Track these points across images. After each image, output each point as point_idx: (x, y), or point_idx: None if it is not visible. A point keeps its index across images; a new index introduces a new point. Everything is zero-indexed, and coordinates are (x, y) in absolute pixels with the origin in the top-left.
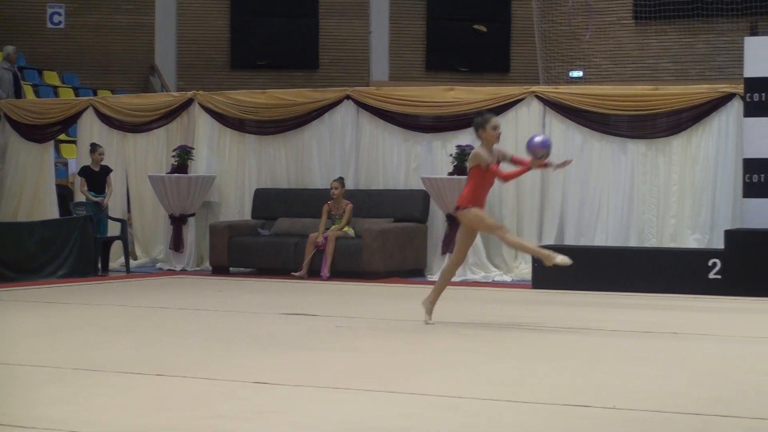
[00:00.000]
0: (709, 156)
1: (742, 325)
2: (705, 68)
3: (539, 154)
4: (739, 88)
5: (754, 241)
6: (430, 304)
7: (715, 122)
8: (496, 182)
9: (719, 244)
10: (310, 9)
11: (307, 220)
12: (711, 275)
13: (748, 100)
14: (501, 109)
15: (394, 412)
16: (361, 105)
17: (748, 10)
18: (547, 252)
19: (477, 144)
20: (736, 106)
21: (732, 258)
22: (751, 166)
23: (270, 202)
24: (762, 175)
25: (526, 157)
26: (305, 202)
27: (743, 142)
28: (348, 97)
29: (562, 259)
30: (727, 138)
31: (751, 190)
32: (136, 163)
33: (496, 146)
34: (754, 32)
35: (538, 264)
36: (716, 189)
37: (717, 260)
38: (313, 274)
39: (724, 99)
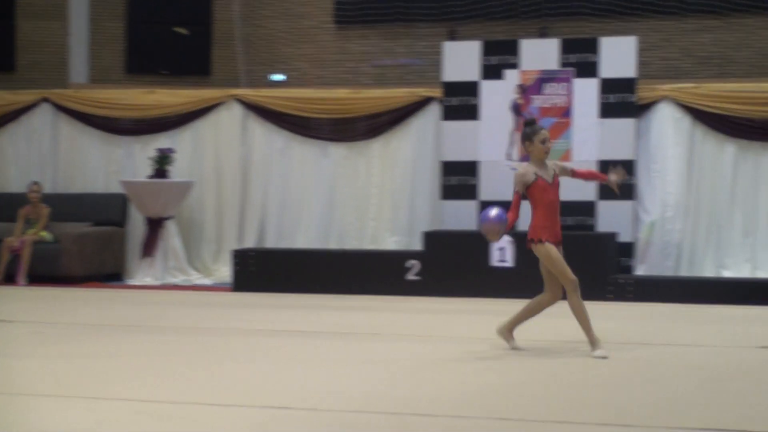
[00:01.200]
0: (408, 159)
1: (440, 325)
2: (404, 72)
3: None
4: (437, 92)
5: (451, 242)
6: (509, 332)
7: (414, 126)
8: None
9: (418, 245)
10: (5, 10)
11: (2, 224)
12: (410, 276)
13: (445, 104)
14: (201, 112)
15: (94, 419)
16: (60, 108)
17: (447, 15)
18: (596, 339)
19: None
20: (434, 110)
21: (430, 259)
22: (448, 168)
23: None
24: (458, 178)
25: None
26: (1, 207)
27: (441, 146)
28: (46, 100)
29: (600, 353)
30: (425, 141)
31: (448, 192)
32: None
33: (555, 161)
34: (452, 37)
35: (240, 267)
36: (415, 191)
37: (415, 261)
38: (10, 279)
39: (423, 103)
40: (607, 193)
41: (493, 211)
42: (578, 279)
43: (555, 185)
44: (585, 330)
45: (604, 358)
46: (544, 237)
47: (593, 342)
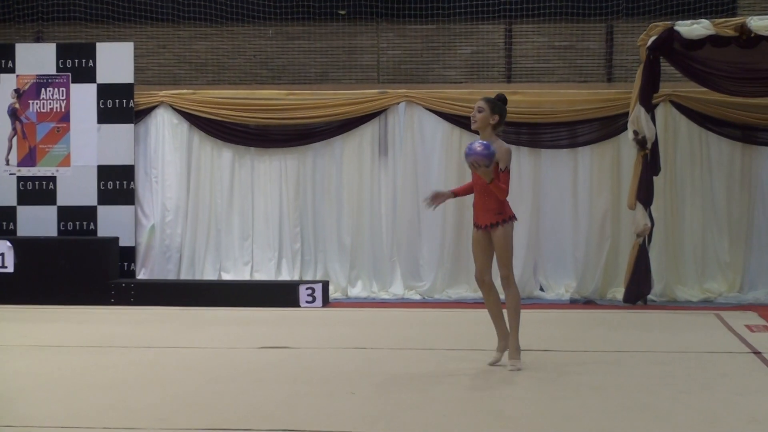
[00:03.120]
0: None
1: None
2: None
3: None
4: None
5: None
6: (516, 351)
7: None
8: None
9: None
10: None
11: None
12: None
13: None
14: None
15: None
16: None
17: None
18: (516, 347)
19: None
20: None
21: None
22: None
23: None
24: None
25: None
26: None
27: None
28: None
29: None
30: None
31: None
32: None
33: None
34: None
35: None
36: None
37: None
38: None
39: None
40: (107, 198)
41: (478, 145)
42: (81, 284)
43: None
44: (506, 327)
45: (519, 370)
46: (510, 216)
47: (514, 349)
